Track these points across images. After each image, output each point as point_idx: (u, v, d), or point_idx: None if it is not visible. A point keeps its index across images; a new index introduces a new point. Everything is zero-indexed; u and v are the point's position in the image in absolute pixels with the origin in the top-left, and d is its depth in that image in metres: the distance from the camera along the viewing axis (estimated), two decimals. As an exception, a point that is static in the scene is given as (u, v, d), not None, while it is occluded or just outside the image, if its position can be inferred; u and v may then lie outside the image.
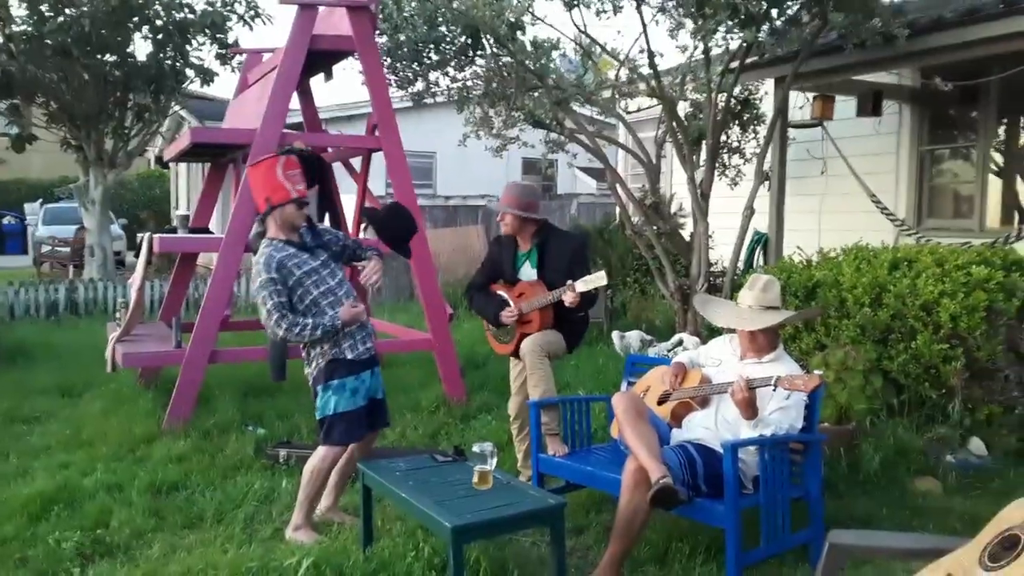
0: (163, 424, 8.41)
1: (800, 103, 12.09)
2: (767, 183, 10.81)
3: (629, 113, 12.03)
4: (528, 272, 6.59)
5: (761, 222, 11.22)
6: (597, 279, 6.08)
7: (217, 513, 6.33)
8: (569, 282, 6.13)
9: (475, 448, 5.02)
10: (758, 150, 10.77)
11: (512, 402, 6.79)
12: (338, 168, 11.32)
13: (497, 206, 6.61)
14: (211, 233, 11.16)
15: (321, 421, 5.88)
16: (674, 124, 10.47)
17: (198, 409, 8.67)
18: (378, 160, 10.14)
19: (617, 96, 11.21)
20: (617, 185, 11.41)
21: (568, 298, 6.12)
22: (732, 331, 5.70)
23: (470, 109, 11.30)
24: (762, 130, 11.80)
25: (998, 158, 11.25)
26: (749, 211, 10.13)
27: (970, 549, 3.05)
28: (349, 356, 5.81)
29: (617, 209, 13.48)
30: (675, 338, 10.06)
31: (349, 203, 11.04)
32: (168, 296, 11.20)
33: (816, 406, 5.40)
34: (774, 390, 5.00)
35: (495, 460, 5.02)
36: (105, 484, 6.87)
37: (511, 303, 6.55)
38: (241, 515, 6.25)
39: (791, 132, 11.64)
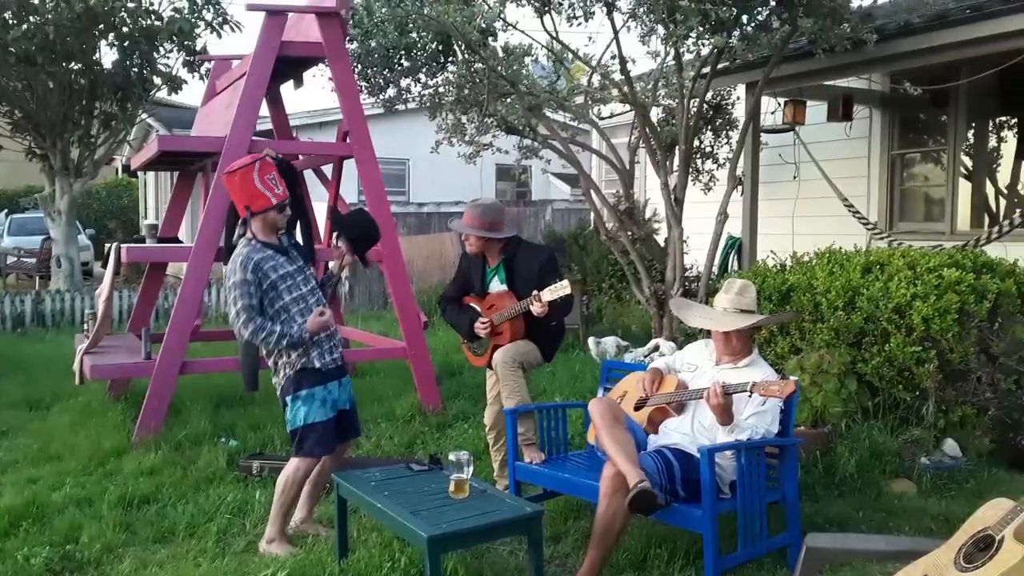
0: (133, 437, 8.34)
1: (772, 108, 12.19)
2: (740, 188, 10.88)
3: (602, 119, 12.06)
4: (497, 288, 6.59)
5: (735, 227, 11.29)
6: (561, 288, 6.06)
7: (189, 527, 6.28)
8: (535, 292, 6.12)
9: (451, 457, 5.01)
10: (731, 155, 10.83)
11: (488, 412, 6.80)
12: (310, 176, 11.32)
13: (459, 226, 6.57)
14: (180, 242, 11.14)
15: (293, 432, 5.84)
16: (647, 130, 10.52)
17: (169, 421, 8.60)
18: (350, 167, 10.10)
19: (590, 102, 11.26)
20: (591, 191, 11.44)
21: (535, 309, 6.11)
22: (708, 336, 5.75)
23: (442, 116, 11.32)
24: (735, 135, 11.89)
25: (968, 161, 11.39)
26: (723, 216, 10.19)
27: (945, 550, 3.10)
28: (317, 365, 5.78)
29: (592, 215, 13.53)
30: (651, 343, 10.11)
31: (321, 210, 11.05)
32: (137, 306, 11.11)
33: (792, 410, 5.44)
34: (750, 396, 5.05)
35: (471, 469, 5.03)
36: (74, 499, 6.82)
37: (482, 315, 6.56)
38: (214, 528, 6.20)
39: (763, 137, 11.74)
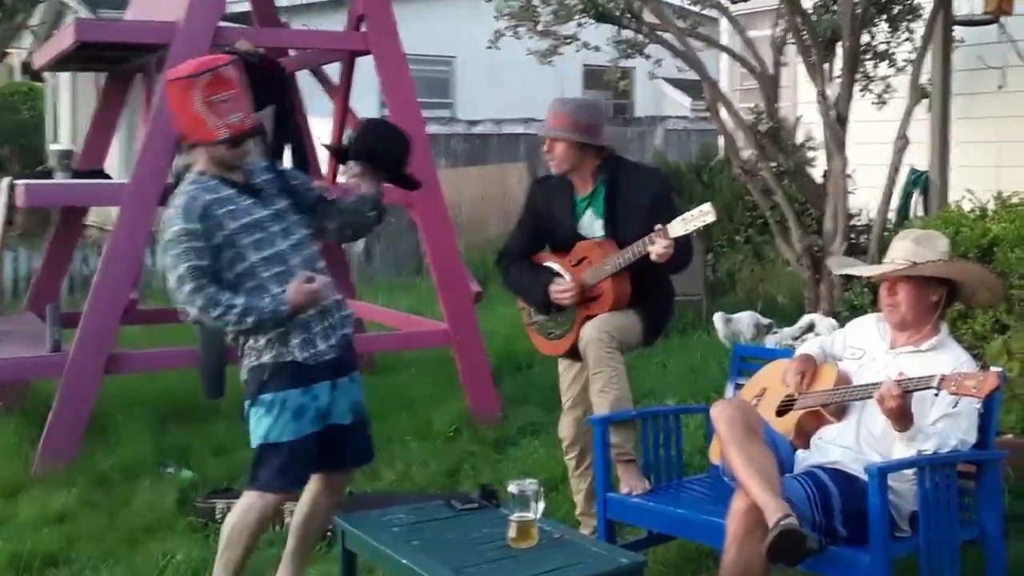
0: (34, 467, 8.41)
1: (970, -9, 12.27)
2: (926, 102, 10.99)
3: (734, 3, 12.23)
4: (592, 224, 6.51)
5: (919, 156, 11.44)
6: (700, 216, 6.06)
7: (118, 600, 6.39)
8: (658, 226, 6.02)
9: (512, 489, 5.10)
10: (913, 56, 10.98)
11: (564, 421, 6.81)
12: (306, 79, 11.51)
13: (544, 131, 6.45)
14: (109, 178, 11.23)
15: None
16: (797, 19, 10.66)
17: (89, 443, 8.67)
18: (367, 67, 10.05)
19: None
20: (719, 105, 11.56)
21: (658, 248, 6.00)
22: (879, 310, 5.86)
23: (506, -5, 11.47)
24: (918, 29, 11.94)
25: None
26: (902, 140, 10.35)
27: None
28: (297, 357, 5.62)
29: (720, 139, 13.70)
30: (804, 320, 10.24)
31: (324, 130, 11.14)
32: (41, 273, 11.24)
33: (994, 413, 5.51)
34: (936, 393, 5.16)
35: (541, 505, 5.12)
36: (-60, 561, 6.87)
37: (567, 277, 6.45)
38: (156, 602, 6.31)
39: (957, 32, 11.79)
